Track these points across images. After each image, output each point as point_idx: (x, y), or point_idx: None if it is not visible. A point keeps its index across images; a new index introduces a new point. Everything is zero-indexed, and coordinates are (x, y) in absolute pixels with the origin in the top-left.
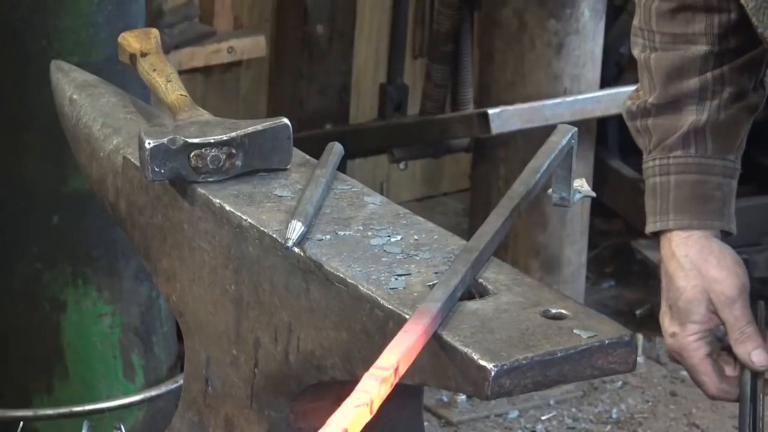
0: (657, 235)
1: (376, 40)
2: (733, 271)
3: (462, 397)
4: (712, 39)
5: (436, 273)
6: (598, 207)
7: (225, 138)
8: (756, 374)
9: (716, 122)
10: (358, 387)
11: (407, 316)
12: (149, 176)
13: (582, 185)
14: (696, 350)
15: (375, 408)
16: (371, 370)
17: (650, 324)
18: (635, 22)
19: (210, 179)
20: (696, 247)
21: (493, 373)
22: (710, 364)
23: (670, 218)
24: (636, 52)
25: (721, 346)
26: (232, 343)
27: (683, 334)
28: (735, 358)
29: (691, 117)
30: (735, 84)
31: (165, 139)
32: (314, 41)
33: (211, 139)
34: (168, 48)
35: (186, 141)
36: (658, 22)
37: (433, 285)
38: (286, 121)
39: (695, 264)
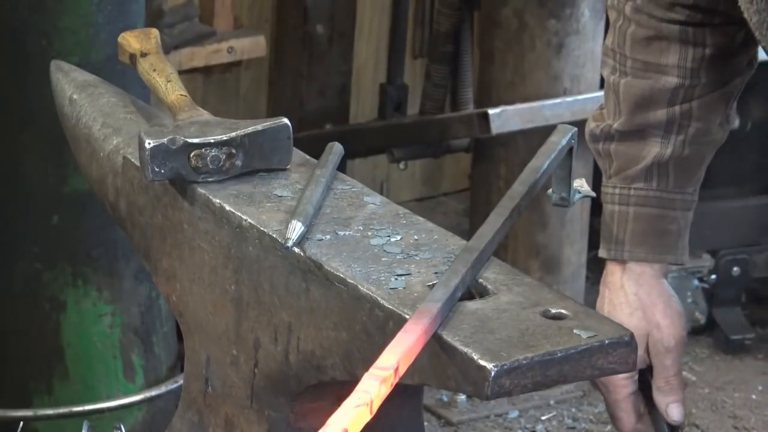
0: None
1: (376, 40)
2: (676, 320)
3: (462, 397)
4: (684, 72)
5: (436, 273)
6: (598, 207)
7: (225, 138)
8: (672, 427)
9: (680, 157)
10: (358, 387)
11: (407, 316)
12: (149, 176)
13: (582, 185)
14: (623, 387)
15: (375, 408)
16: (371, 370)
17: None
18: (608, 41)
19: (210, 179)
20: (646, 287)
21: (493, 373)
22: (631, 402)
23: (626, 249)
24: (605, 72)
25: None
26: (232, 343)
27: None
28: (649, 400)
29: (655, 149)
30: (702, 120)
31: (165, 139)
32: (314, 41)
33: (211, 139)
34: (168, 48)
35: (186, 141)
36: (632, 48)
37: (433, 285)
38: (286, 121)
39: (642, 305)
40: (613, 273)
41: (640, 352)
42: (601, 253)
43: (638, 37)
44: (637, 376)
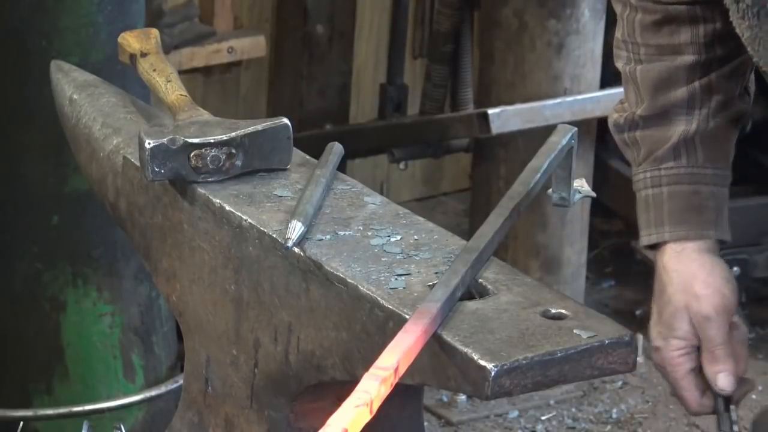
0: (652, 248)
1: (376, 40)
2: (718, 289)
3: (462, 397)
4: (698, 48)
5: (436, 273)
6: (598, 207)
7: (225, 138)
8: (726, 399)
9: (705, 131)
10: (358, 387)
11: (407, 316)
12: (149, 176)
13: (582, 185)
14: (679, 365)
15: (375, 408)
16: (371, 370)
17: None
18: (618, 34)
19: (210, 179)
20: (686, 261)
21: (493, 373)
22: (692, 379)
23: (666, 230)
24: (620, 64)
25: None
26: (232, 343)
27: (667, 348)
28: None
29: (680, 127)
30: (722, 92)
31: (165, 139)
32: (314, 41)
33: (211, 139)
34: (168, 48)
35: (186, 141)
36: (642, 35)
37: (433, 285)
38: (286, 121)
39: (683, 279)
40: (657, 259)
41: (686, 326)
42: (643, 241)
43: (647, 23)
44: (694, 353)
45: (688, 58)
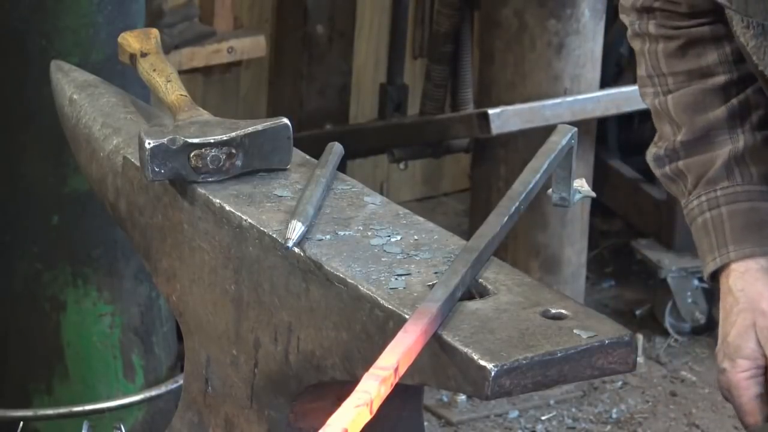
0: (716, 276)
1: (376, 40)
2: None
3: (462, 397)
4: (728, 67)
5: (436, 273)
6: (598, 207)
7: (225, 138)
8: None
9: (753, 147)
10: (358, 387)
11: (407, 316)
12: (149, 176)
13: (582, 185)
14: (746, 389)
15: (375, 408)
16: (371, 370)
17: (650, 324)
18: (641, 72)
19: (210, 179)
20: (751, 281)
21: (493, 373)
22: (758, 405)
23: (730, 250)
24: (648, 101)
25: None
26: (232, 343)
27: (733, 371)
28: None
29: (726, 147)
30: (761, 105)
31: (165, 139)
32: (314, 41)
33: (211, 139)
34: (168, 48)
35: (186, 141)
36: (668, 63)
37: (433, 285)
38: (286, 121)
39: (749, 297)
40: (722, 284)
41: (753, 345)
42: (709, 268)
43: (671, 51)
44: (761, 376)
45: (721, 79)
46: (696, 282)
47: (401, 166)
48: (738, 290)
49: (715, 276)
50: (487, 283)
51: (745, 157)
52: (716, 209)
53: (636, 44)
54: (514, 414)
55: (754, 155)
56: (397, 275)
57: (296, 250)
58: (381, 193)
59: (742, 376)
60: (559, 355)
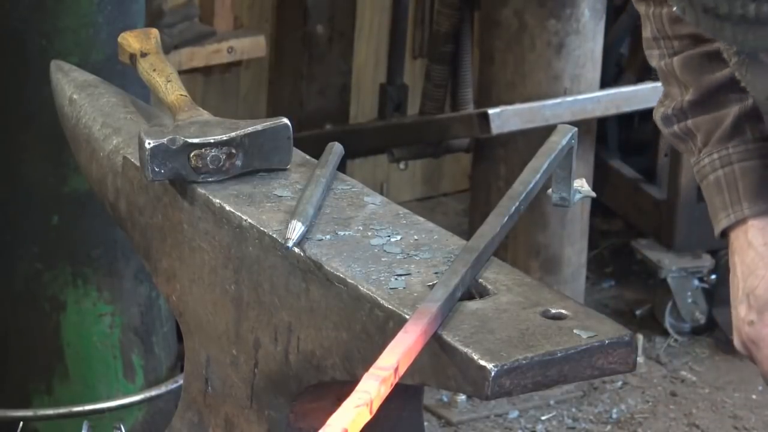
0: (727, 232)
1: (376, 40)
2: None
3: (462, 397)
4: None
5: (436, 273)
6: (598, 207)
7: (225, 138)
8: None
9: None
10: (358, 387)
11: (407, 316)
12: (149, 176)
13: (582, 185)
14: None
15: (375, 408)
16: (371, 370)
17: (650, 324)
18: (646, 34)
19: (210, 179)
20: None
21: (493, 373)
22: None
23: (744, 207)
24: (654, 62)
25: None
26: (232, 343)
27: (761, 323)
28: None
29: (735, 105)
30: None
31: (165, 139)
32: (314, 41)
33: (211, 139)
34: (168, 48)
35: (186, 141)
36: (672, 27)
37: (433, 285)
38: (286, 121)
39: None
40: (737, 239)
41: None
42: (721, 224)
43: (675, 14)
44: None
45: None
46: (696, 282)
47: (401, 166)
48: (761, 245)
49: (725, 234)
50: (487, 283)
51: (754, 114)
52: (729, 166)
53: (641, 7)
54: (514, 414)
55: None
56: (397, 275)
57: (296, 250)
58: (381, 193)
59: None
60: (559, 355)
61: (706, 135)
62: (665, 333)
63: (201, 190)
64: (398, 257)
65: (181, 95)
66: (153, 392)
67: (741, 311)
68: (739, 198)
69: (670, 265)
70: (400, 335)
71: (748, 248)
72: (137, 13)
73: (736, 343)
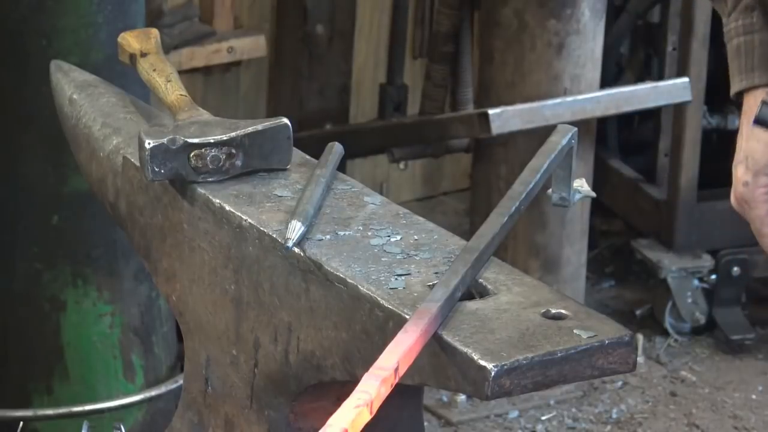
0: (740, 96)
1: (376, 40)
2: None
3: (462, 397)
4: None
5: (436, 273)
6: (598, 207)
7: (225, 138)
8: None
9: None
10: (358, 387)
11: (407, 316)
12: (149, 176)
13: (582, 185)
14: (764, 202)
15: (375, 408)
16: (371, 370)
17: (650, 324)
18: None
19: (210, 179)
20: None
21: (493, 373)
22: None
23: (756, 75)
24: None
25: None
26: (232, 343)
27: (755, 184)
28: None
29: None
30: None
31: (165, 139)
32: (314, 41)
33: (211, 139)
34: (168, 48)
35: (186, 141)
36: None
37: (433, 285)
38: (286, 121)
39: None
40: (746, 102)
41: None
42: (734, 87)
43: None
44: None
45: None
46: (696, 282)
47: (401, 166)
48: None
49: (739, 97)
50: (487, 283)
51: None
52: (750, 35)
53: None
54: (514, 414)
55: None
56: (397, 275)
57: (296, 250)
58: (381, 193)
59: (762, 190)
60: (559, 355)
61: (734, 0)
62: (665, 333)
63: (201, 190)
64: (398, 257)
65: (181, 95)
66: (153, 392)
67: (739, 171)
68: (753, 66)
69: (670, 265)
70: (400, 335)
71: (753, 113)
72: (137, 13)
73: (732, 200)
